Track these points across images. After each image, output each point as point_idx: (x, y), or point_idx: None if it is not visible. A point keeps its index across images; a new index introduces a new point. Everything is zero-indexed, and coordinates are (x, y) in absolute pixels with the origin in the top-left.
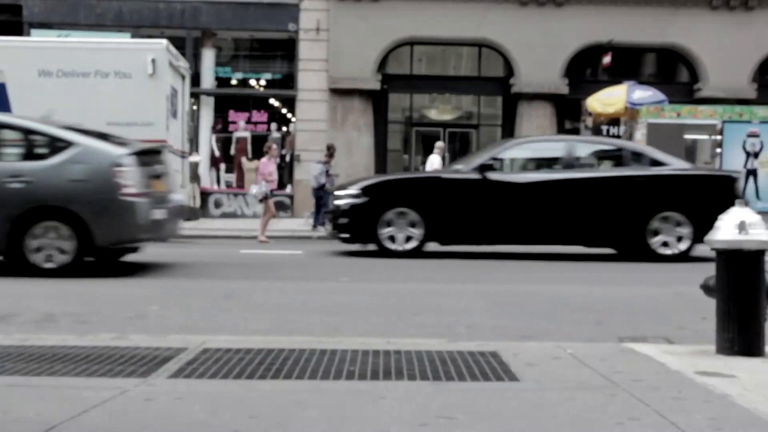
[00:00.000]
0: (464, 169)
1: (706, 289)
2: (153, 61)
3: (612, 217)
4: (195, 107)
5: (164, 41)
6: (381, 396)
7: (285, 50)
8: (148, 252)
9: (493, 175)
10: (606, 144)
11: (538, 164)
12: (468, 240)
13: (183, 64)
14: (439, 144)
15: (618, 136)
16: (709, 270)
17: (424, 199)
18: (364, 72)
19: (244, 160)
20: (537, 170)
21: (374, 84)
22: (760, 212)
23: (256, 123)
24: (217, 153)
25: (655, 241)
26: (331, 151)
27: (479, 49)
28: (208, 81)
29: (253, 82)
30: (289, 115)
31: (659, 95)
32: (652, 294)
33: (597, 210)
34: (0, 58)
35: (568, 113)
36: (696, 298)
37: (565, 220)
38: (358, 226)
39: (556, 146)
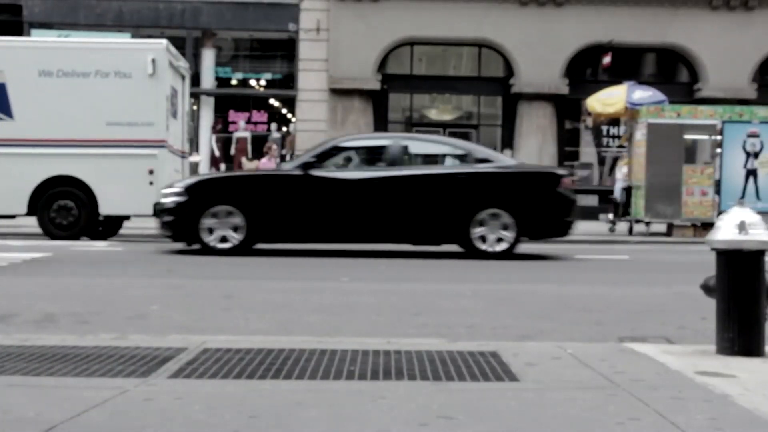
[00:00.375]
0: (288, 167)
1: (706, 289)
2: (153, 61)
3: (436, 214)
4: (195, 107)
5: (164, 41)
6: (381, 396)
7: (285, 50)
8: (147, 251)
9: (316, 173)
10: (432, 141)
11: (364, 161)
12: (293, 238)
13: (183, 64)
14: None
15: (618, 136)
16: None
17: (247, 198)
18: (364, 72)
19: (244, 160)
20: (362, 168)
21: (374, 84)
22: (760, 212)
23: (256, 123)
24: (217, 153)
25: (479, 238)
26: None
27: (479, 49)
28: (208, 81)
29: (253, 82)
30: (289, 115)
31: (659, 95)
32: (652, 294)
33: (420, 207)
34: (0, 58)
35: (568, 113)
36: (696, 298)
37: (390, 218)
38: (180, 225)
39: (382, 143)
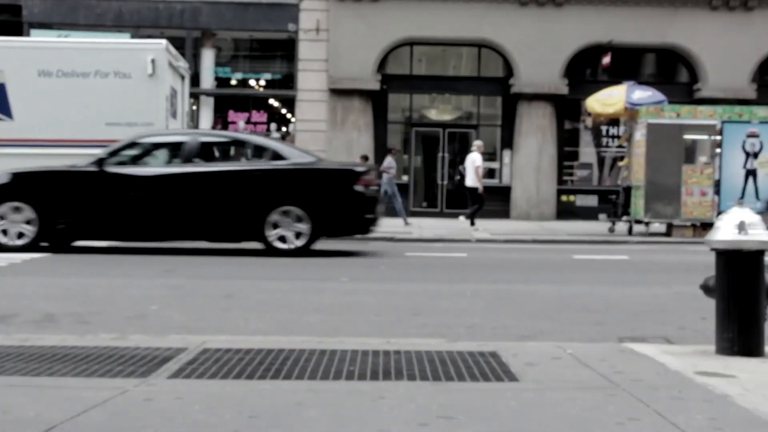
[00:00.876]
0: (84, 163)
1: (706, 289)
2: (153, 61)
3: (230, 211)
4: (195, 107)
5: (164, 41)
6: (381, 396)
7: (285, 50)
8: (147, 251)
9: (112, 169)
10: (228, 137)
11: (161, 158)
12: (88, 236)
13: (182, 64)
14: (478, 142)
15: (618, 137)
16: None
17: (40, 194)
18: (364, 72)
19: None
20: (158, 164)
21: (374, 84)
22: (759, 212)
23: (255, 123)
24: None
25: (273, 236)
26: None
27: (479, 49)
28: (207, 81)
29: (252, 82)
30: (288, 115)
31: (659, 95)
32: (652, 294)
33: (215, 204)
34: (0, 58)
35: (567, 113)
36: (696, 298)
37: (185, 215)
38: None
39: (179, 140)
